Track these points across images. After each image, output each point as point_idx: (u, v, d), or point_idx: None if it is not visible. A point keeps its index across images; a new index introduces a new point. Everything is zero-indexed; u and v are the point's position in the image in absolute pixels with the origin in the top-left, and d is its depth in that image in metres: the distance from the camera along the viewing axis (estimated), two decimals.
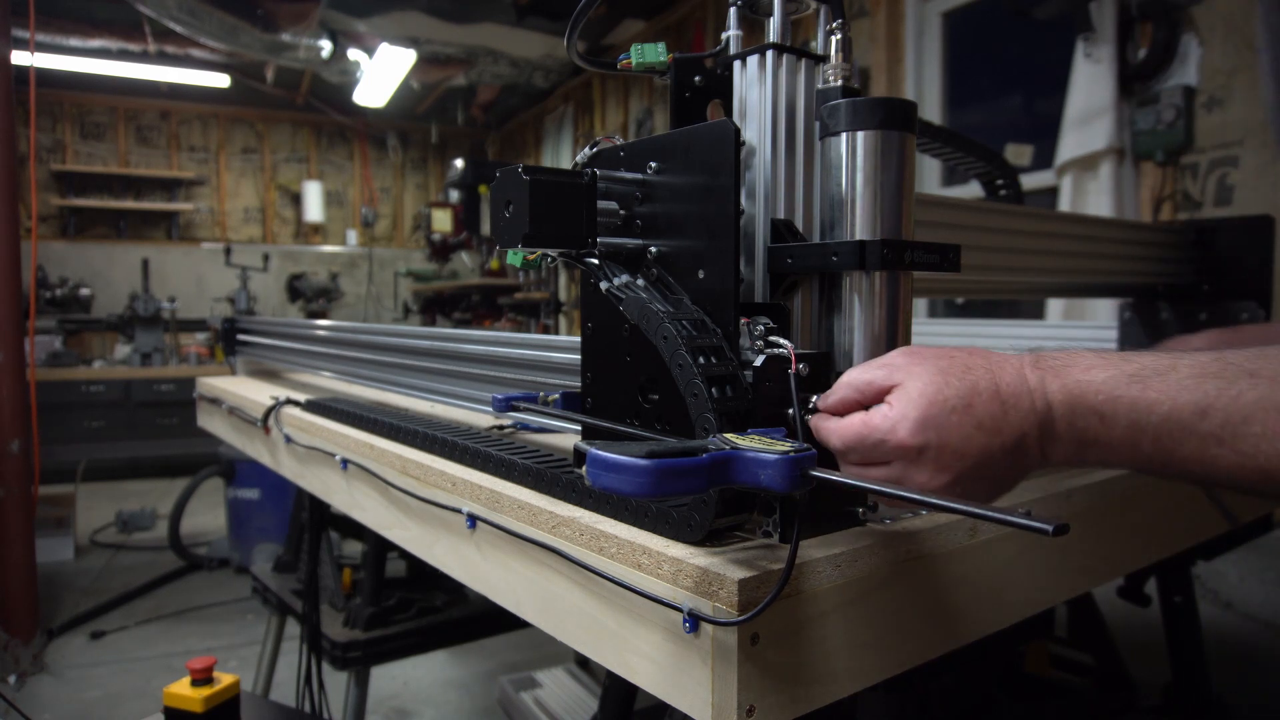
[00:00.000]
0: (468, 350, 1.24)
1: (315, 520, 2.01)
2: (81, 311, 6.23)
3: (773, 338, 0.72)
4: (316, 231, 8.76)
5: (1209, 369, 0.53)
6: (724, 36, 0.86)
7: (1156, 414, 0.53)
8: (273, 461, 1.66)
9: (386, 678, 2.76)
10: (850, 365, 0.76)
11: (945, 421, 0.58)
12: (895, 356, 0.65)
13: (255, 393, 1.84)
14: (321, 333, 1.84)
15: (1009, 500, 0.88)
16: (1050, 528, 0.47)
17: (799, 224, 0.80)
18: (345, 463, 1.28)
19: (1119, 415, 0.54)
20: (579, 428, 0.92)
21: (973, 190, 3.55)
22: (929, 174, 4.26)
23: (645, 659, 0.69)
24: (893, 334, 0.75)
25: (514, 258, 0.80)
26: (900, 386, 0.61)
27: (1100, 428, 0.55)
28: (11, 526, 2.98)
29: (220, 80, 7.21)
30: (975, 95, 4.25)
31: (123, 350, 5.92)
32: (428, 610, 1.98)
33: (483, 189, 6.27)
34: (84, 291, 6.28)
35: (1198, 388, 0.52)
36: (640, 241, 0.81)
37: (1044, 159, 3.58)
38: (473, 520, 0.94)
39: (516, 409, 1.01)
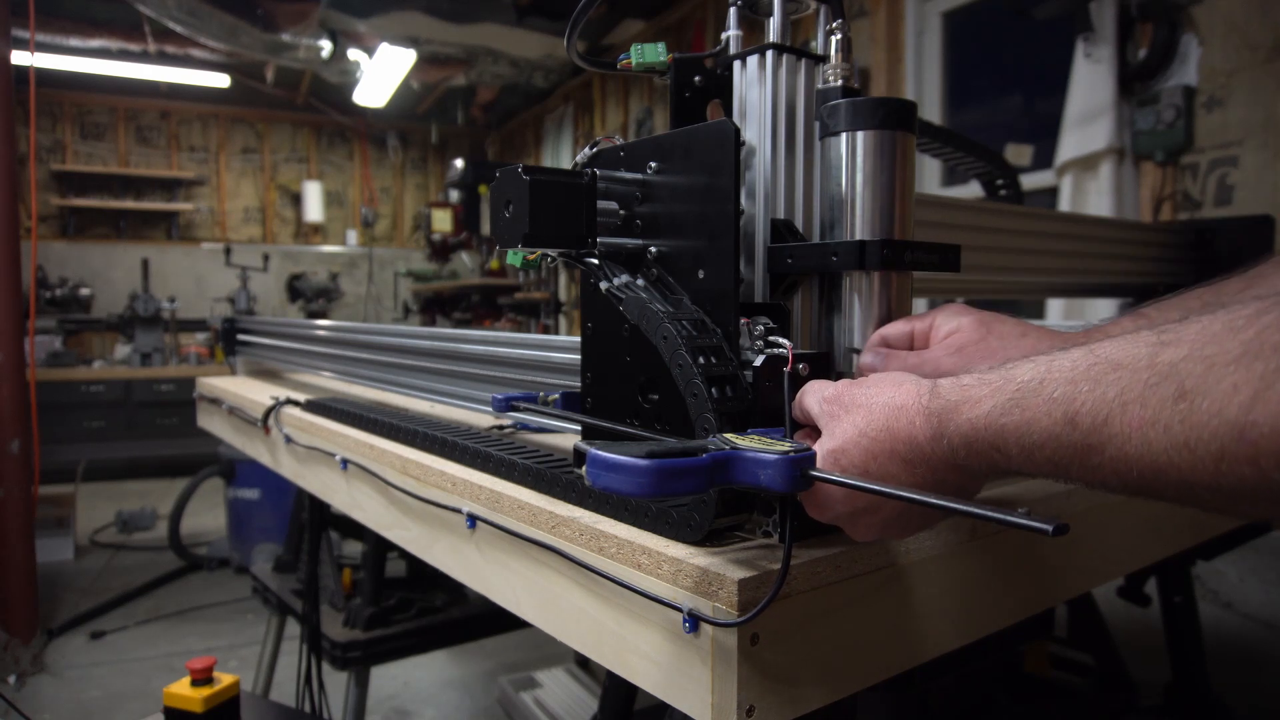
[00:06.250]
0: (468, 350, 1.24)
1: (315, 520, 2.00)
2: (81, 311, 6.23)
3: (773, 338, 0.72)
4: (316, 231, 8.76)
5: (1079, 368, 0.49)
6: (724, 36, 0.86)
7: (1036, 433, 0.50)
8: (273, 461, 1.66)
9: (386, 678, 2.76)
10: (851, 365, 0.76)
11: (861, 470, 0.59)
12: (834, 405, 0.63)
13: (255, 393, 1.84)
14: (321, 333, 1.84)
15: (1007, 498, 0.88)
16: (1050, 528, 0.47)
17: (799, 224, 0.80)
18: (345, 463, 1.28)
19: (1009, 444, 0.52)
20: (579, 428, 0.92)
21: (973, 190, 3.54)
22: (929, 174, 4.25)
23: (645, 659, 0.69)
24: None
25: (514, 258, 0.80)
26: (820, 442, 0.62)
27: (1000, 458, 0.53)
28: (11, 526, 2.98)
29: (220, 80, 7.21)
30: (975, 95, 4.25)
31: (123, 350, 5.91)
32: (428, 610, 1.98)
33: (483, 189, 6.27)
34: (84, 291, 6.28)
35: (1067, 395, 0.48)
36: (640, 241, 0.81)
37: (1044, 159, 3.58)
38: (473, 520, 0.94)
39: (516, 409, 1.01)
